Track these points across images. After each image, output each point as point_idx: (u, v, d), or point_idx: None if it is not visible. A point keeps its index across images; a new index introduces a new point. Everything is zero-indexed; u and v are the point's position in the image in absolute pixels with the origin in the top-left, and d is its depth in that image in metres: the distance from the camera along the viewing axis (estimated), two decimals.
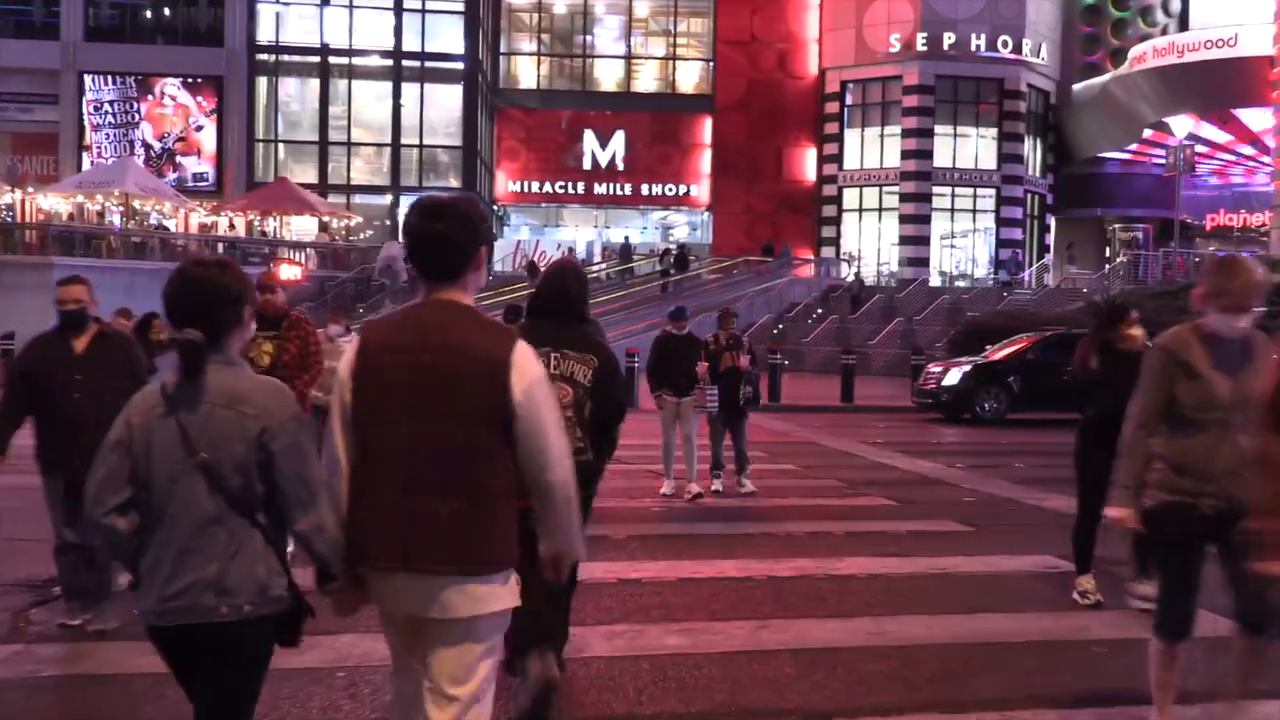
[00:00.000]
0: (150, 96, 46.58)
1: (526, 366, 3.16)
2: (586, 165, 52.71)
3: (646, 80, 54.56)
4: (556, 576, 3.42)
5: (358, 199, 48.96)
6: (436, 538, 3.08)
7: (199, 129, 46.94)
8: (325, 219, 45.23)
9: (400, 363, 3.14)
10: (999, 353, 22.91)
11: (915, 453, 16.09)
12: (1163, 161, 52.31)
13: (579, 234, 53.59)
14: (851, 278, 43.69)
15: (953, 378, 22.07)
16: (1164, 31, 52.74)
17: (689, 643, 6.26)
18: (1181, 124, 40.00)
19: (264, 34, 47.44)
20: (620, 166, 52.85)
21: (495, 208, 53.40)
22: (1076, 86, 52.82)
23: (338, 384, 3.23)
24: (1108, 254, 56.50)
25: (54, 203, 39.16)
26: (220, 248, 39.38)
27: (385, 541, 3.11)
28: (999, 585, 7.88)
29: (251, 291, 3.29)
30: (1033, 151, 52.73)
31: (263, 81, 47.91)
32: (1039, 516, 10.80)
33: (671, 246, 47.39)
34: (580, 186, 52.95)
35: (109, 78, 46.26)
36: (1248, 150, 49.68)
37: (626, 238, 48.88)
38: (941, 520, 10.42)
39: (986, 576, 8.12)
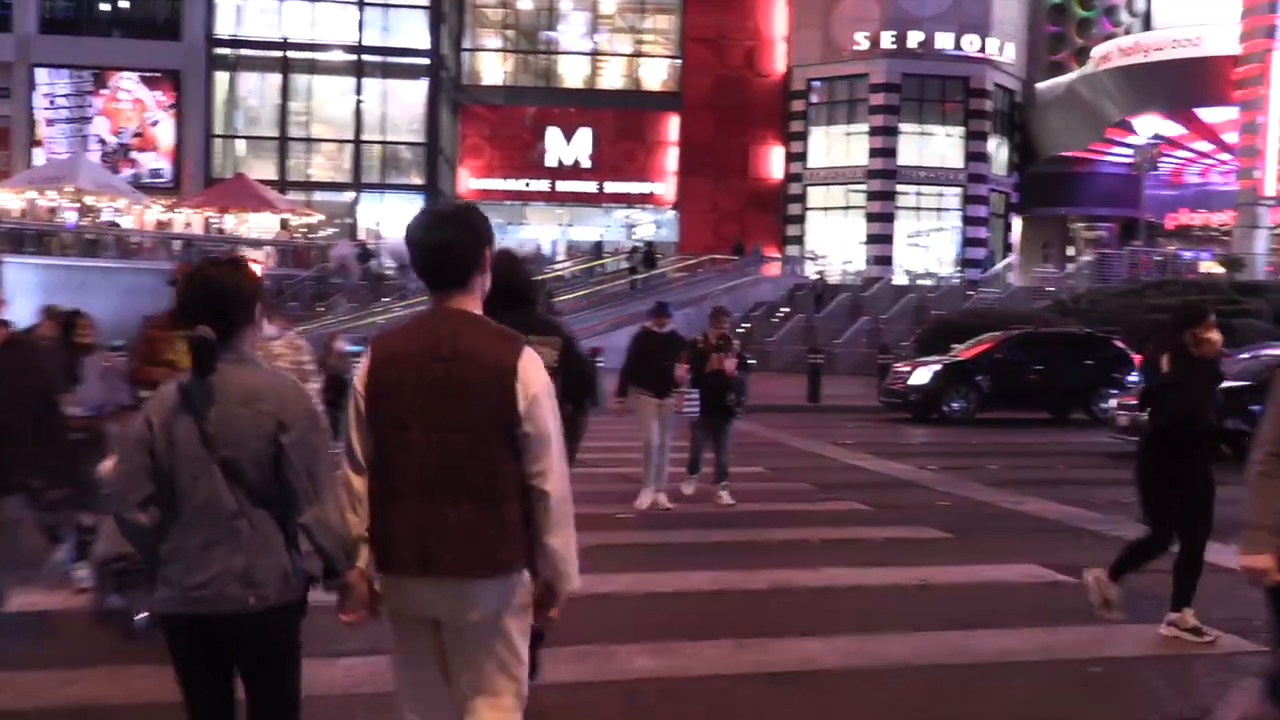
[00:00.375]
0: (105, 90, 45.73)
1: (533, 375, 3.23)
2: (551, 163, 52.17)
3: (612, 77, 54.08)
4: (549, 619, 3.38)
5: (318, 196, 48.27)
6: (452, 542, 3.16)
7: (155, 124, 46.11)
8: (285, 216, 44.56)
9: (413, 372, 3.21)
10: (967, 352, 22.67)
11: (885, 454, 15.78)
12: (1127, 161, 52.67)
13: (543, 232, 53.08)
14: (815, 276, 43.35)
15: (921, 377, 21.80)
16: (1128, 31, 52.82)
17: (663, 665, 5.87)
18: (1147, 123, 40.01)
19: (223, 27, 46.63)
20: (585, 164, 52.35)
21: None
22: (1041, 85, 52.82)
23: (352, 393, 3.28)
24: (1071, 253, 56.64)
25: (4, 199, 38.32)
26: (176, 245, 38.73)
27: (404, 547, 3.20)
28: (986, 597, 7.54)
29: (264, 291, 3.39)
30: (998, 150, 52.66)
31: (221, 76, 47.12)
32: (1018, 521, 10.49)
33: (639, 244, 47.04)
34: (545, 184, 52.43)
35: (63, 71, 45.38)
36: (1204, 146, 49.80)
37: (601, 236, 48.39)
38: (919, 526, 10.08)
39: (972, 588, 7.77)
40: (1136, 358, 22.67)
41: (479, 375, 3.18)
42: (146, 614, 5.72)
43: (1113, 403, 17.59)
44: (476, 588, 3.18)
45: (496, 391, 3.17)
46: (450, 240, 3.26)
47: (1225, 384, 14.36)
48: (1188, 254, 49.02)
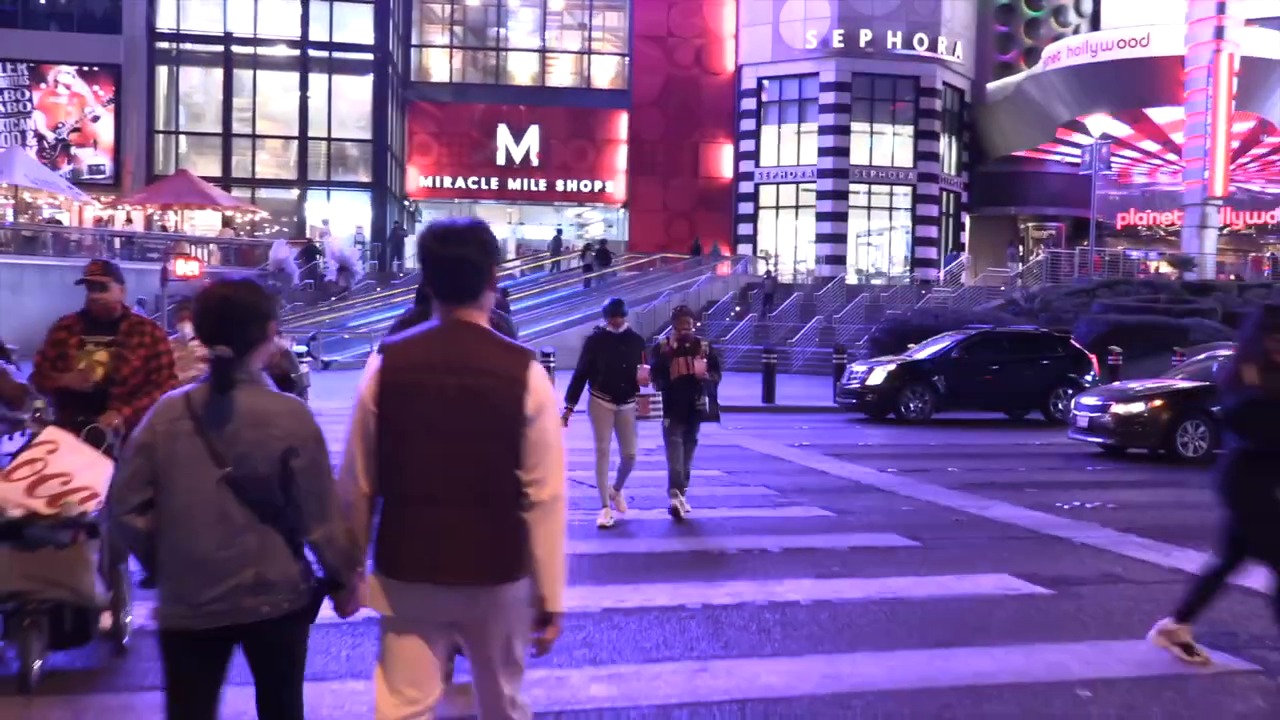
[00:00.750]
0: (43, 85, 44.64)
1: (539, 387, 3.32)
2: (500, 161, 51.61)
3: (562, 75, 53.59)
4: (544, 644, 3.43)
5: (263, 193, 47.40)
6: (464, 549, 3.24)
7: (95, 119, 45.06)
8: (229, 214, 43.69)
9: (427, 382, 3.27)
10: (923, 351, 22.42)
11: (843, 456, 15.44)
12: (1076, 161, 52.84)
13: (493, 231, 52.33)
14: (764, 275, 42.96)
15: (877, 377, 21.51)
16: (1076, 31, 53.01)
17: (618, 692, 5.43)
18: (1097, 122, 40.08)
19: (164, 21, 45.61)
20: (535, 162, 51.84)
21: (407, 203, 52.15)
22: (991, 85, 52.90)
23: (358, 403, 3.31)
24: (1020, 252, 56.81)
25: None
26: (117, 243, 37.79)
27: (415, 554, 3.26)
28: (959, 612, 7.14)
29: (277, 309, 3.45)
30: (948, 150, 52.69)
31: (163, 71, 46.10)
32: (985, 528, 10.14)
33: (593, 242, 46.58)
34: (494, 182, 51.84)
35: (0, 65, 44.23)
36: (1152, 146, 50.11)
37: (559, 229, 47.77)
38: (884, 533, 9.71)
39: (943, 602, 7.37)
40: (1093, 357, 22.65)
41: (491, 386, 3.27)
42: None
43: (1073, 403, 17.31)
44: (484, 592, 3.27)
45: (507, 402, 3.27)
46: (465, 255, 3.33)
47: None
48: (1134, 254, 49.34)
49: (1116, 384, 17.27)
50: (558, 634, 3.38)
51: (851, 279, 46.94)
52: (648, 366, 9.99)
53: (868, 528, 10.00)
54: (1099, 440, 16.35)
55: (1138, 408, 15.76)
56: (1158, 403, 15.69)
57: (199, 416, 3.20)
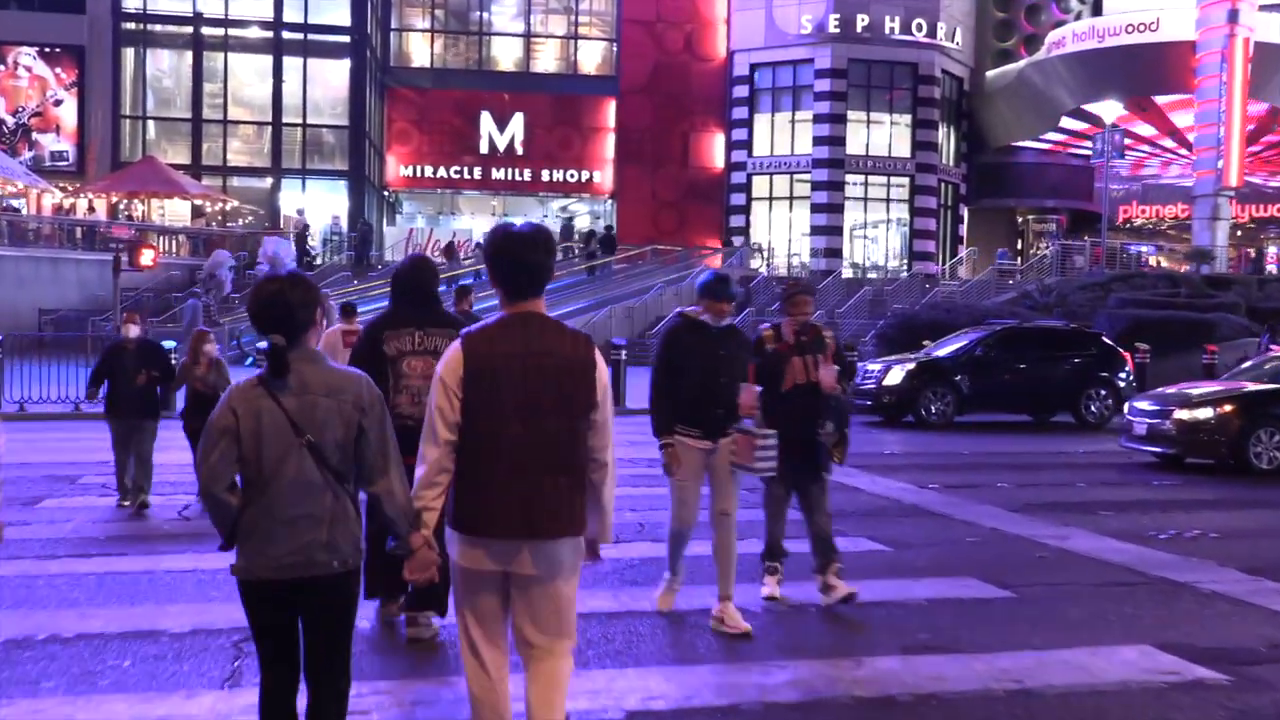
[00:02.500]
0: (2, 67, 42.50)
1: (603, 368, 3.84)
2: (484, 149, 49.63)
3: (546, 60, 51.63)
4: (597, 558, 3.99)
5: (235, 182, 45.37)
6: (551, 510, 3.70)
7: (58, 103, 42.96)
8: (199, 203, 41.67)
9: (510, 366, 3.69)
10: (943, 349, 20.65)
11: (872, 468, 13.63)
12: (1079, 151, 51.20)
13: (475, 223, 50.55)
14: (765, 270, 41.05)
15: (894, 377, 19.73)
16: (1079, 16, 51.33)
17: None
18: (1109, 109, 38.38)
19: (130, 0, 43.49)
20: (519, 151, 49.89)
21: (386, 194, 50.15)
22: (990, 73, 51.13)
23: (440, 385, 3.71)
24: (1020, 246, 55.17)
25: None
26: (78, 232, 35.75)
27: (509, 515, 3.67)
28: (1109, 712, 5.28)
29: (321, 296, 3.85)
30: (947, 140, 50.97)
31: (129, 53, 43.98)
32: (1078, 568, 8.33)
33: (596, 228, 44.76)
34: (477, 172, 49.88)
35: None
36: (1168, 143, 48.56)
37: (571, 218, 45.58)
38: (961, 577, 7.88)
39: (1090, 697, 5.42)
40: (1127, 355, 20.90)
41: (569, 368, 3.74)
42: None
43: (1130, 406, 15.46)
44: (561, 546, 3.74)
45: (583, 381, 3.75)
46: (543, 262, 3.80)
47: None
48: (1133, 248, 47.81)
49: (1174, 388, 15.47)
50: (601, 559, 3.99)
51: (847, 273, 45.24)
52: (756, 388, 6.41)
53: (938, 569, 8.17)
54: (1156, 450, 14.54)
55: (1204, 414, 13.96)
56: (1227, 408, 13.91)
57: (275, 394, 3.60)
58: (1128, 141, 44.40)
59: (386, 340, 5.86)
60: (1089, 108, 45.24)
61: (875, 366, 20.61)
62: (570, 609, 3.81)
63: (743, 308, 35.09)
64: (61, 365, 18.77)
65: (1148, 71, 42.35)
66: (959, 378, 19.61)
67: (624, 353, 21.50)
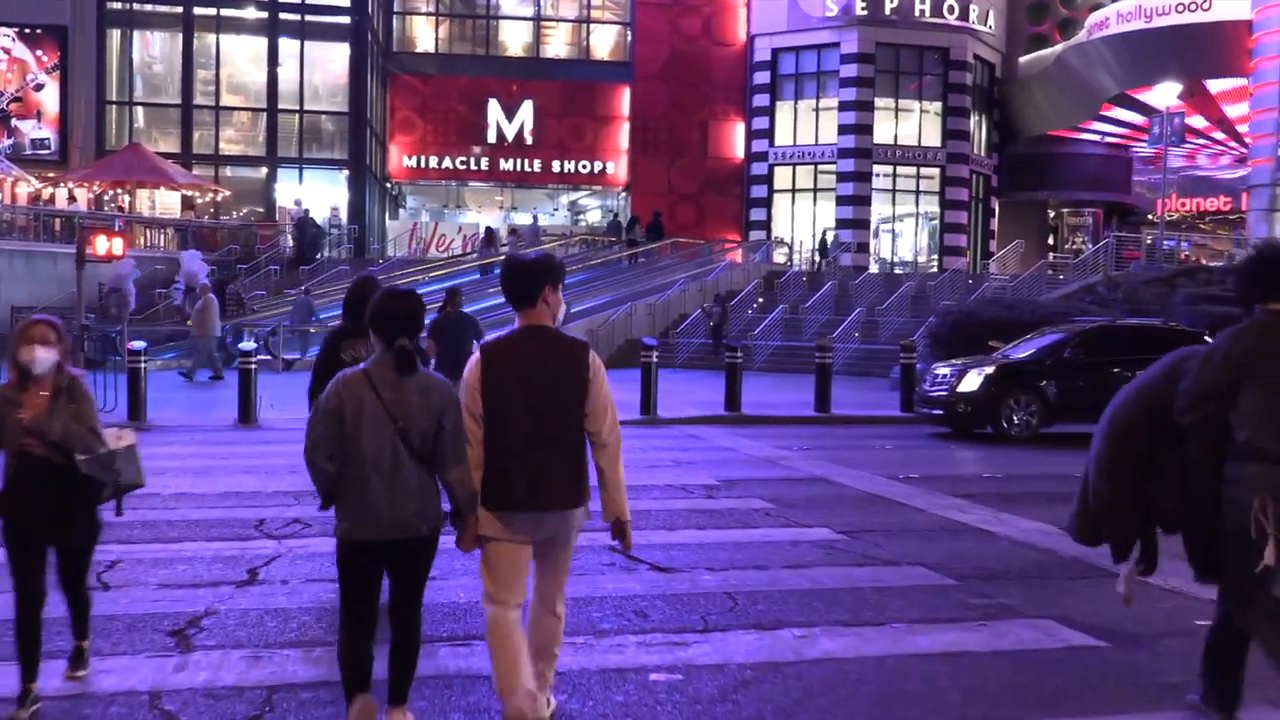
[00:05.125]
0: None
1: (594, 361, 4.66)
2: (491, 139, 47.10)
3: (557, 45, 49.13)
4: (627, 543, 4.79)
5: (229, 171, 42.97)
6: (558, 483, 4.55)
7: (39, 88, 40.48)
8: (189, 193, 39.13)
9: (520, 369, 4.55)
10: (1022, 351, 18.05)
11: (982, 497, 11.07)
12: (1117, 140, 48.63)
13: (482, 217, 48.00)
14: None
15: (970, 383, 17.11)
16: None
17: None
18: (1162, 93, 35.69)
19: None
20: (529, 140, 47.43)
21: (389, 185, 47.59)
22: (1024, 59, 48.64)
23: (467, 386, 4.54)
24: (1051, 240, 52.59)
25: None
26: (56, 224, 33.20)
27: (521, 489, 4.50)
28: None
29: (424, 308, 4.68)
30: (978, 129, 48.43)
31: (115, 34, 41.61)
32: None
33: (635, 216, 42.56)
34: (484, 163, 47.36)
35: None
36: (1218, 135, 45.95)
37: (615, 213, 42.76)
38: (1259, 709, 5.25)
39: None
40: None
41: (568, 367, 4.59)
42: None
43: None
44: (569, 514, 4.62)
45: (576, 375, 4.59)
46: (536, 282, 4.67)
47: None
48: (1167, 243, 45.18)
49: None
50: (631, 534, 4.77)
51: (872, 268, 42.72)
52: None
53: (1184, 681, 5.55)
54: None
55: None
56: None
57: (376, 387, 4.36)
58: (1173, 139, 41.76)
59: (343, 349, 6.62)
60: (1134, 94, 42.71)
61: (944, 370, 18.00)
62: (567, 565, 4.81)
63: (774, 306, 32.55)
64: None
65: (1200, 54, 39.75)
66: (1044, 383, 17.03)
67: (655, 354, 18.90)
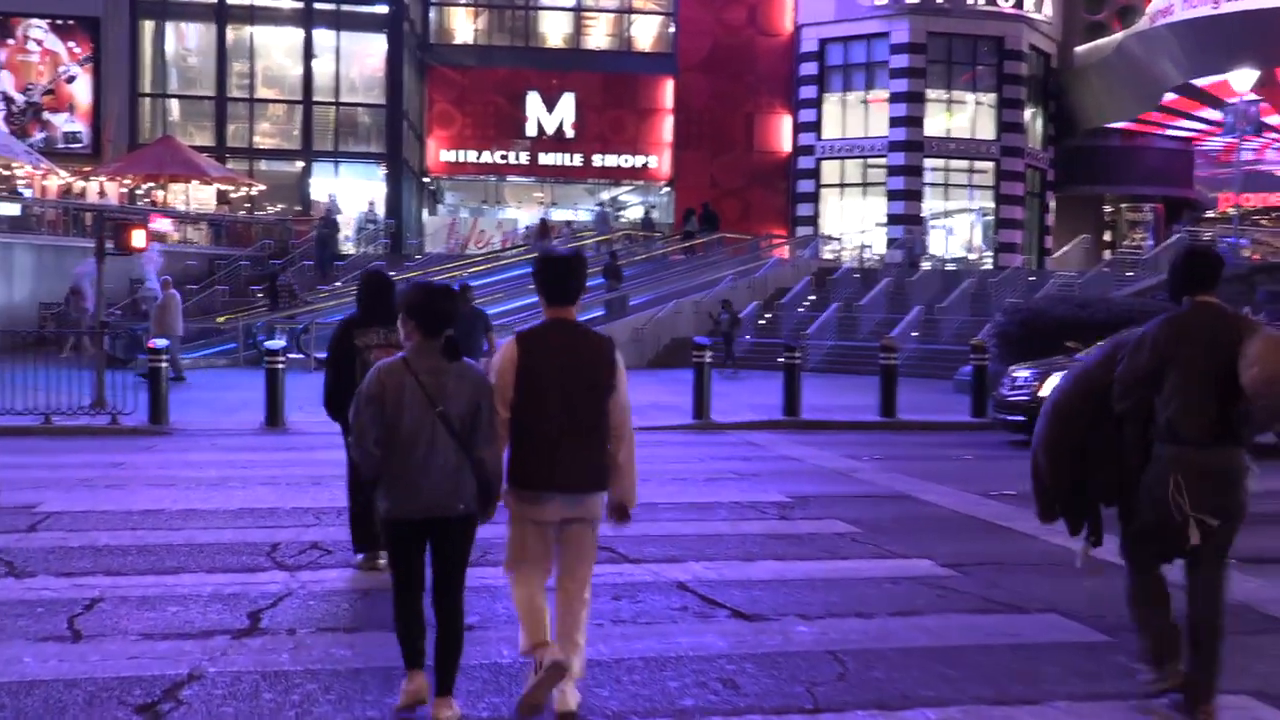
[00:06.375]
0: (10, 40, 39.17)
1: (619, 358, 4.89)
2: (531, 132, 45.84)
3: (599, 36, 47.82)
4: (624, 521, 4.97)
5: (263, 165, 41.93)
6: (583, 468, 4.75)
7: (71, 80, 39.55)
8: (222, 187, 38.14)
9: (552, 359, 4.74)
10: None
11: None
12: (1184, 134, 46.84)
13: (521, 214, 46.78)
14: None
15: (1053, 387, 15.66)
16: None
17: None
18: (1237, 80, 33.91)
19: None
20: (569, 134, 46.09)
21: (427, 180, 46.47)
22: (1080, 48, 46.90)
23: (500, 374, 4.74)
24: (1108, 237, 50.79)
25: None
26: (87, 218, 32.26)
27: (550, 474, 4.70)
28: None
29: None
30: (1033, 122, 46.78)
31: (148, 25, 40.57)
32: None
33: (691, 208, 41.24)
34: (524, 157, 46.10)
35: None
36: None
37: (690, 210, 41.32)
38: None
39: None
40: None
41: (597, 360, 4.80)
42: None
43: None
44: (593, 498, 4.82)
45: (607, 369, 4.80)
46: (579, 280, 4.92)
47: None
48: (1231, 240, 43.35)
49: None
50: (630, 519, 4.96)
51: (924, 265, 41.17)
52: None
53: None
54: None
55: None
56: None
57: (416, 373, 4.64)
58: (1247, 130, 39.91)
59: (356, 335, 7.18)
60: (1199, 83, 40.95)
61: (1024, 373, 16.56)
62: (594, 545, 4.93)
63: (826, 304, 31.15)
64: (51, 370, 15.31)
65: (1274, 39, 37.86)
66: None
67: (708, 354, 17.60)
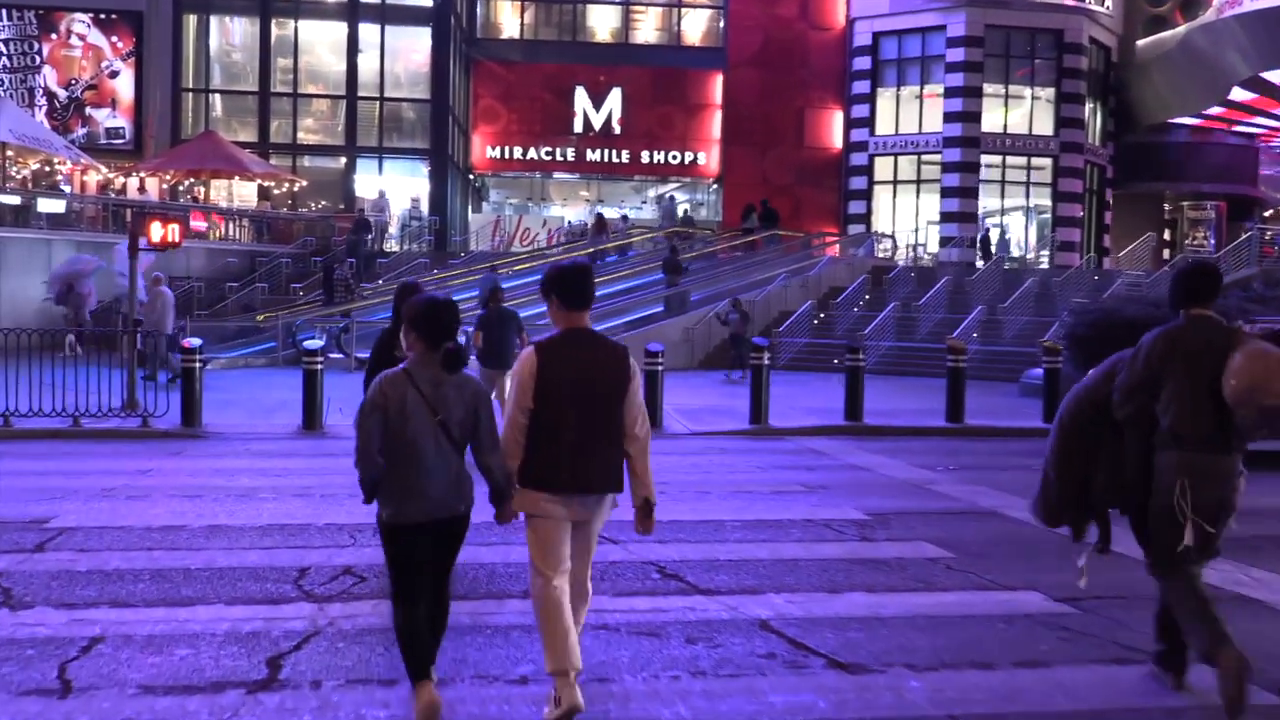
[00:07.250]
0: (54, 35, 38.90)
1: (634, 364, 5.03)
2: (578, 128, 45.06)
3: (647, 30, 46.97)
4: (648, 526, 5.03)
5: (307, 161, 41.43)
6: (603, 470, 4.88)
7: (113, 75, 39.20)
8: (265, 183, 37.61)
9: (571, 367, 4.84)
10: None
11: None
12: (1248, 130, 45.35)
13: (566, 211, 45.97)
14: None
15: None
16: None
17: None
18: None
19: None
20: (616, 130, 45.29)
21: (472, 177, 45.78)
22: (1142, 42, 45.49)
23: (520, 380, 4.83)
24: (1169, 235, 49.33)
25: None
26: (128, 214, 31.74)
27: (569, 476, 4.80)
28: None
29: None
30: (1093, 117, 45.43)
31: (191, 20, 40.21)
32: None
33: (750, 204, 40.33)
34: (570, 154, 45.31)
35: (3, 12, 38.47)
36: None
37: (750, 205, 40.37)
38: None
39: None
40: None
41: (612, 367, 4.92)
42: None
43: None
44: (607, 499, 4.95)
45: (622, 375, 4.93)
46: (589, 287, 5.02)
47: None
48: None
49: None
50: (654, 518, 5.01)
51: (978, 263, 39.99)
52: None
53: None
54: None
55: None
56: None
57: (417, 383, 4.72)
58: None
59: (397, 347, 6.55)
60: (1269, 76, 39.53)
61: None
62: (595, 544, 5.09)
63: (882, 304, 30.09)
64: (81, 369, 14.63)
65: None
66: None
67: (766, 356, 16.70)
